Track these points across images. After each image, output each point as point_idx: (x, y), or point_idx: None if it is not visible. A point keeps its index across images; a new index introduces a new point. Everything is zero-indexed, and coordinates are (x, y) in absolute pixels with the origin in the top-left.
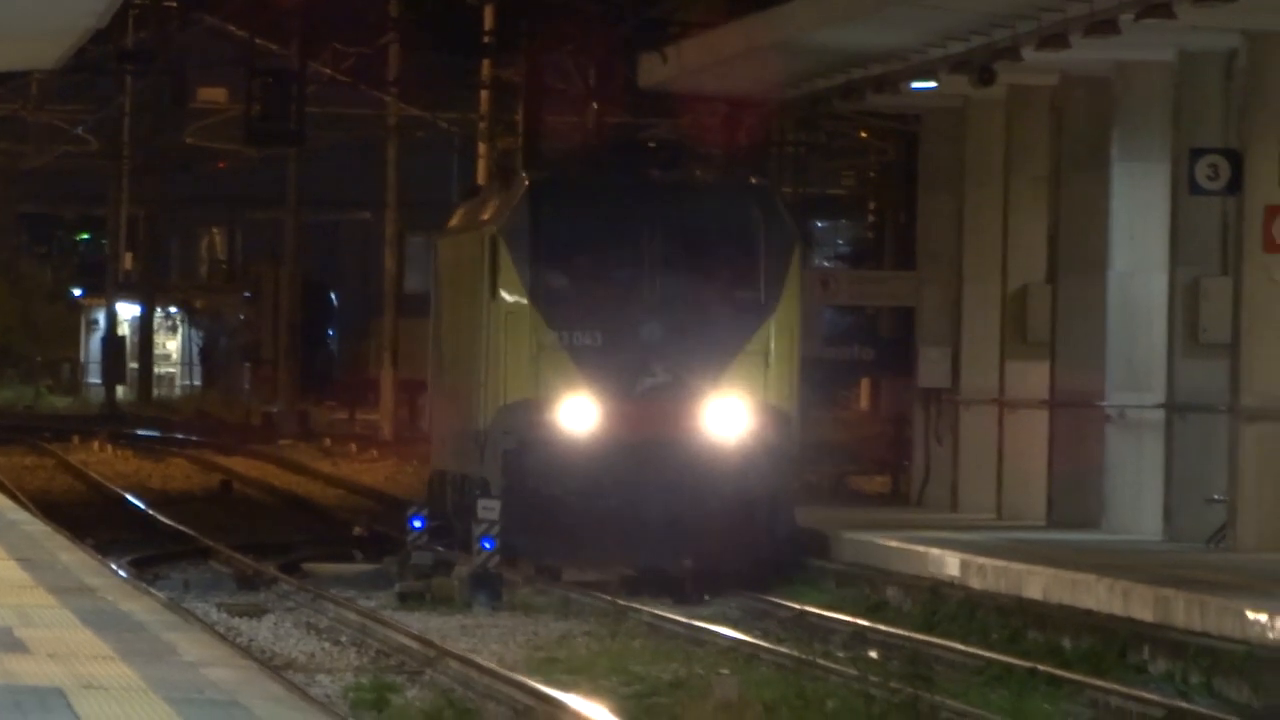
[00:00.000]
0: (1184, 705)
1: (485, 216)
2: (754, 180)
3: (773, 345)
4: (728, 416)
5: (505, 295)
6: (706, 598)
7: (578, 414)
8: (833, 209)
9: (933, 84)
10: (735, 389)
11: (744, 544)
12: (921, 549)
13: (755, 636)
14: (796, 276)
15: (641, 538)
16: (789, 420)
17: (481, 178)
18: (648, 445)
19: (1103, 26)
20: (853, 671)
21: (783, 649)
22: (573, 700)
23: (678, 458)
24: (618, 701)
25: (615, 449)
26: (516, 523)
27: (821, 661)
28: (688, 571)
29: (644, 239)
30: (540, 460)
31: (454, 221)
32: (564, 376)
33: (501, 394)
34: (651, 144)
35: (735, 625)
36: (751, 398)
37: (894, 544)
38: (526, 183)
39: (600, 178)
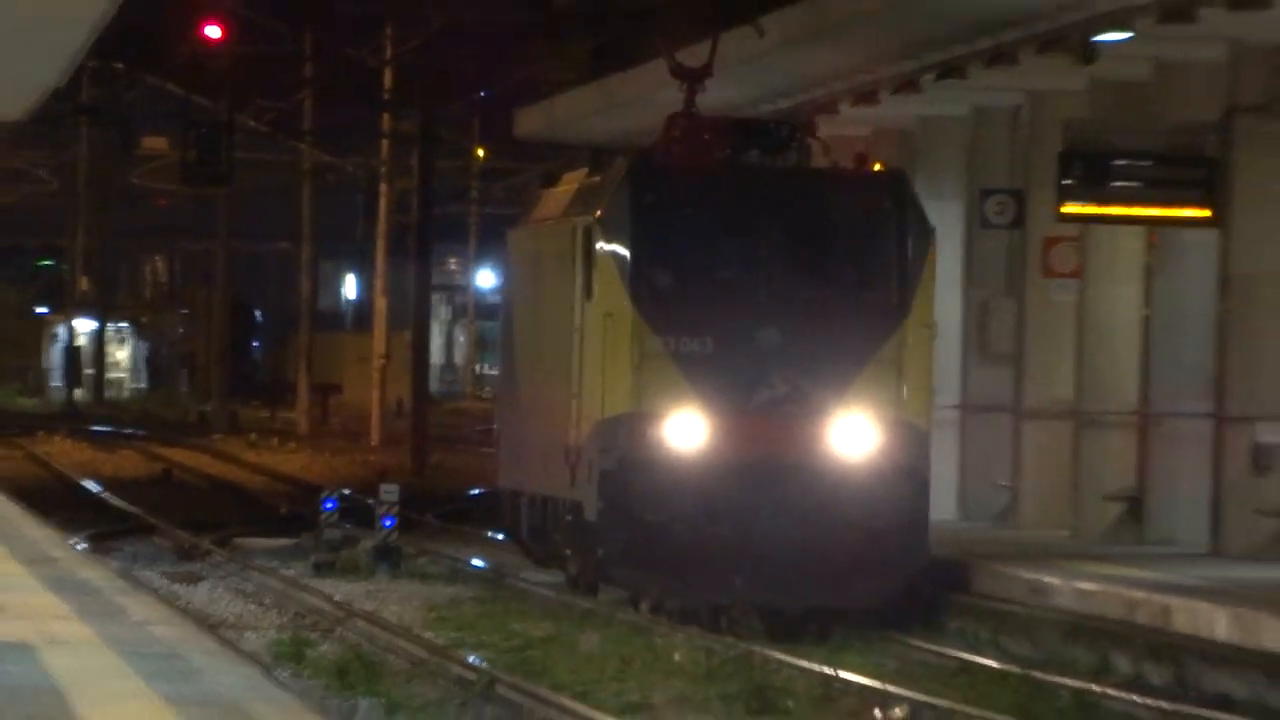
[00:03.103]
0: (974, 658)
1: (574, 205)
2: (883, 167)
3: (907, 354)
4: (856, 434)
5: (602, 295)
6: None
7: (686, 430)
8: None
9: None
10: (864, 403)
11: (873, 579)
12: None
13: (613, 600)
14: (933, 276)
15: (757, 571)
16: (924, 438)
17: (383, 214)
18: (765, 466)
19: (907, 86)
20: (696, 629)
21: (635, 611)
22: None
23: (799, 480)
24: (499, 654)
25: (728, 470)
26: (616, 552)
27: (669, 621)
28: (809, 609)
29: (761, 231)
30: (643, 482)
31: (533, 212)
32: (670, 388)
33: (599, 407)
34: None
35: (592, 591)
36: (882, 413)
37: None
38: (625, 166)
39: (710, 160)
